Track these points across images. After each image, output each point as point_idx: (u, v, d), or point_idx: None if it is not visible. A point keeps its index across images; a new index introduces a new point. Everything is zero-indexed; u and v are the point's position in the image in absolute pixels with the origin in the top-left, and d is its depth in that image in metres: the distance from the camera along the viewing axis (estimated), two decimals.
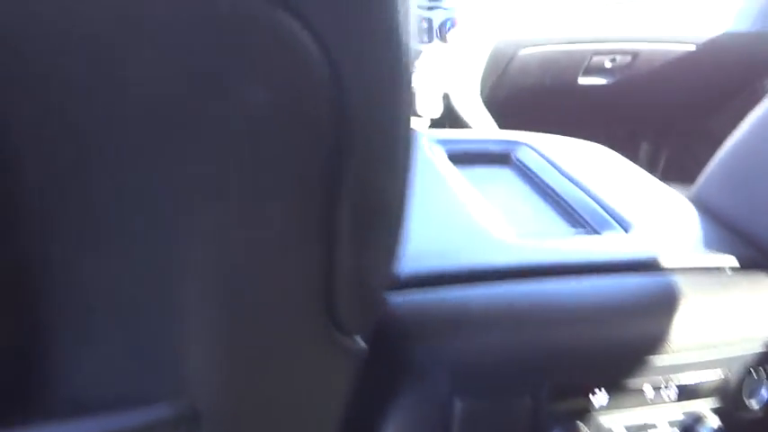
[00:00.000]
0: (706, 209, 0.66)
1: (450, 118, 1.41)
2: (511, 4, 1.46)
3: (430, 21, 1.39)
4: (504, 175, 0.74)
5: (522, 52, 1.49)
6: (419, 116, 1.39)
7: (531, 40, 1.49)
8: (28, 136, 0.26)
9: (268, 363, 0.36)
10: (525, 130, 0.82)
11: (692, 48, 1.52)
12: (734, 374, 0.54)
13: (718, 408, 0.54)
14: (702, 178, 0.69)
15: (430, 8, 1.39)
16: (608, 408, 0.51)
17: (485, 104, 1.46)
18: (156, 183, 0.27)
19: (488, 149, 0.77)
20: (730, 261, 0.58)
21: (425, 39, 1.38)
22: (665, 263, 0.56)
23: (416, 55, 1.40)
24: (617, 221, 0.62)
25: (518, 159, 0.75)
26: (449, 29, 1.37)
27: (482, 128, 1.42)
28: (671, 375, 0.52)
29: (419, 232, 0.51)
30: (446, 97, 1.42)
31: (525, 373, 0.49)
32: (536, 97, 1.55)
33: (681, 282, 0.54)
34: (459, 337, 0.49)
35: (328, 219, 0.31)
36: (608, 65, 1.53)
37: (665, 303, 0.52)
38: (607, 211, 0.63)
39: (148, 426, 0.32)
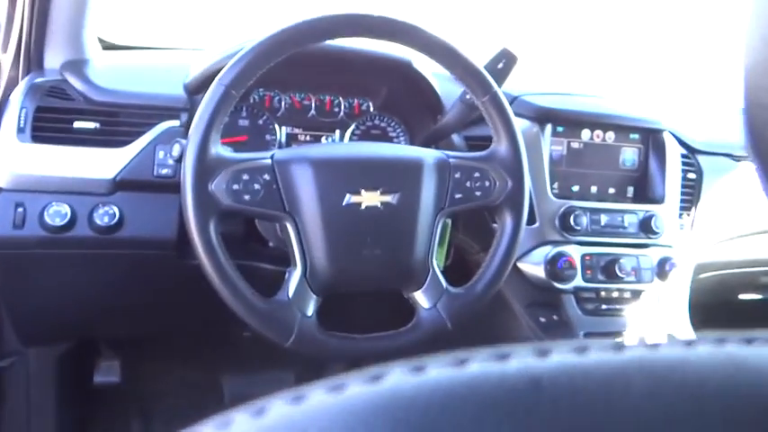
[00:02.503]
0: None
1: None
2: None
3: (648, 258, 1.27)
4: None
5: (701, 276, 1.44)
6: None
7: (713, 264, 1.45)
8: None
9: None
10: None
11: None
12: None
13: None
14: None
15: (644, 245, 1.28)
16: None
17: None
18: None
19: None
20: None
21: (644, 277, 1.27)
22: None
23: (637, 295, 1.27)
24: None
25: None
26: (670, 269, 1.27)
27: None
28: None
29: None
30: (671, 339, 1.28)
31: None
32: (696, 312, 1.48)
33: None
34: None
35: None
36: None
37: None
38: None
39: None
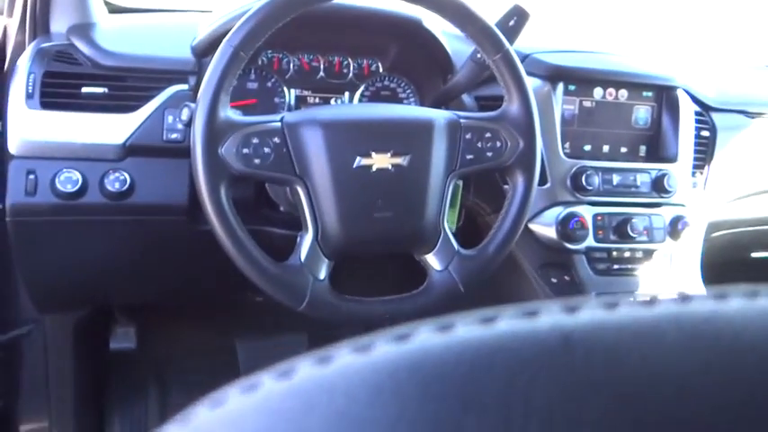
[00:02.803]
0: None
1: None
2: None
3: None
4: None
5: (714, 235, 1.43)
6: None
7: (726, 222, 1.44)
8: None
9: None
10: None
11: None
12: None
13: None
14: None
15: (657, 204, 1.28)
16: None
17: None
18: None
19: None
20: None
21: (657, 237, 1.26)
22: None
23: (649, 254, 1.26)
24: None
25: None
26: (682, 228, 1.26)
27: None
28: None
29: None
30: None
31: None
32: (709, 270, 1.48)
33: None
34: None
35: None
36: None
37: None
38: None
39: None
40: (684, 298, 0.22)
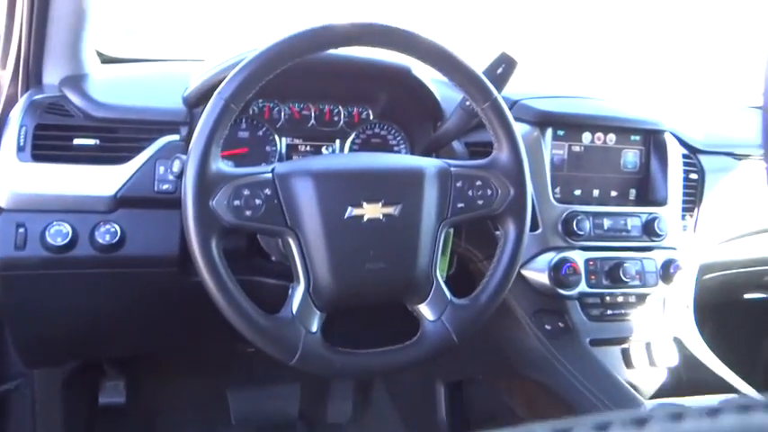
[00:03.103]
0: None
1: (686, 365, 1.27)
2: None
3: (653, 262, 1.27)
4: None
5: (706, 277, 1.43)
6: (655, 365, 1.23)
7: (717, 264, 1.44)
8: None
9: None
10: None
11: None
12: None
13: None
14: None
15: (648, 248, 1.28)
16: None
17: None
18: None
19: None
20: None
21: (649, 281, 1.26)
22: None
23: (642, 299, 1.26)
24: None
25: None
26: (674, 271, 1.26)
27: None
28: None
29: None
30: (678, 341, 1.28)
31: None
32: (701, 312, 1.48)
33: None
34: None
35: None
36: None
37: None
38: None
39: None
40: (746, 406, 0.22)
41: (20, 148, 1.05)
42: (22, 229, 1.02)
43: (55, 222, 1.03)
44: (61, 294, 1.09)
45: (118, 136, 1.10)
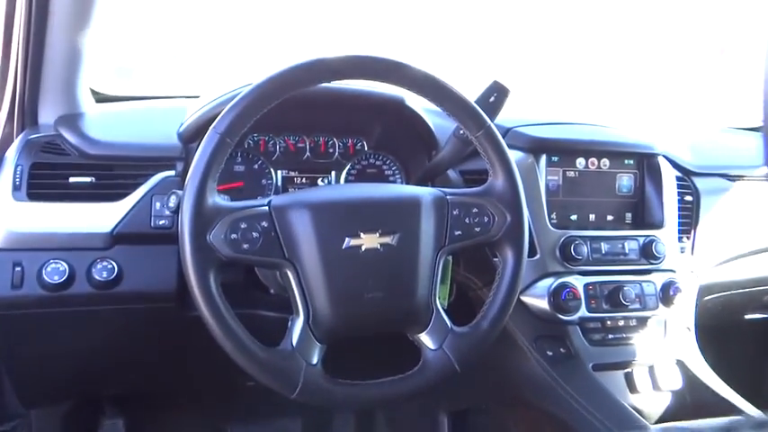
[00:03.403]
0: None
1: (690, 387, 1.26)
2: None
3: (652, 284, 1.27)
4: None
5: (706, 298, 1.43)
6: (659, 389, 1.22)
7: (717, 285, 1.44)
8: None
9: None
10: None
11: None
12: None
13: None
14: None
15: (647, 271, 1.28)
16: None
17: None
18: None
19: None
20: None
21: (649, 304, 1.26)
22: None
23: (643, 322, 1.26)
24: None
25: None
26: (674, 294, 1.26)
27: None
28: None
29: None
30: (681, 364, 1.27)
31: None
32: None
33: None
34: None
35: None
36: None
37: None
38: None
39: None
40: None
41: (15, 188, 1.05)
42: (18, 268, 1.02)
43: (52, 260, 1.03)
44: (59, 333, 1.08)
45: (113, 173, 1.10)
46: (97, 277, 1.03)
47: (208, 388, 1.50)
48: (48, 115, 1.17)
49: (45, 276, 1.02)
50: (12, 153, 1.09)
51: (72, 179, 1.08)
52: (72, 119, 1.17)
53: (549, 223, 1.22)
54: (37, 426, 1.31)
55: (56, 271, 1.02)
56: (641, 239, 1.27)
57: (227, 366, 0.87)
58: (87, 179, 1.08)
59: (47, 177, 1.07)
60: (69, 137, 1.11)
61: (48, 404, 1.29)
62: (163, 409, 1.57)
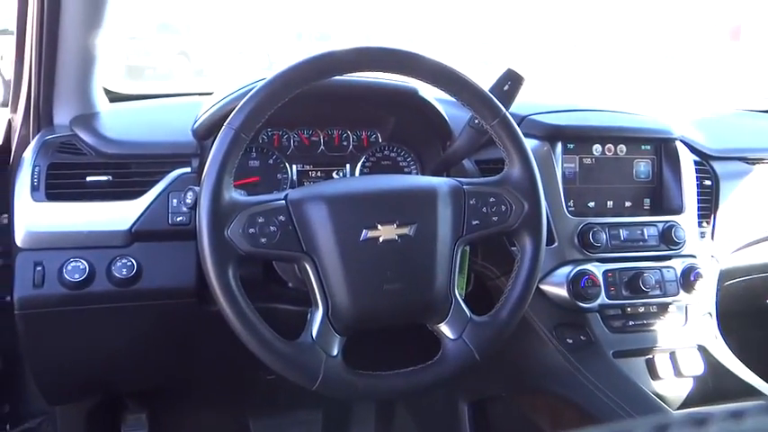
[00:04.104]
0: None
1: (712, 373, 1.25)
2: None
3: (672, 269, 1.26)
4: None
5: (727, 283, 1.41)
6: (681, 375, 1.21)
7: (738, 269, 1.42)
8: None
9: None
10: None
11: None
12: None
13: None
14: None
15: (667, 257, 1.26)
16: None
17: None
18: None
19: None
20: None
21: (669, 290, 1.25)
22: None
23: (663, 308, 1.24)
24: None
25: None
26: (695, 279, 1.24)
27: None
28: None
29: None
30: (702, 350, 1.26)
31: None
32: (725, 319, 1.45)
33: None
34: None
35: None
36: None
37: None
38: None
39: None
40: None
41: (34, 188, 1.06)
42: (39, 268, 1.03)
43: (72, 259, 1.03)
44: (81, 330, 1.09)
45: (130, 171, 1.11)
46: (117, 275, 1.04)
47: (228, 381, 1.51)
48: (63, 116, 1.18)
49: (66, 275, 1.03)
50: (29, 154, 1.10)
51: (89, 178, 1.09)
52: (87, 119, 1.18)
53: (566, 211, 1.21)
54: (62, 422, 1.32)
55: (76, 269, 1.03)
56: (660, 225, 1.26)
57: (248, 360, 0.87)
58: (104, 178, 1.09)
59: (64, 177, 1.08)
60: (85, 136, 1.12)
61: (71, 401, 1.31)
62: (184, 403, 1.59)
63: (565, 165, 1.25)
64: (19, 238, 1.04)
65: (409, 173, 1.30)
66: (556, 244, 1.19)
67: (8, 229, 1.08)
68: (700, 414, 0.21)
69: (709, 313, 1.30)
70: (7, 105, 1.30)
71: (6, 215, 1.13)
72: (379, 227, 0.91)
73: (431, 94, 1.21)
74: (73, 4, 1.11)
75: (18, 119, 1.21)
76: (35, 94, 1.17)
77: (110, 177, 1.09)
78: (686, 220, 1.28)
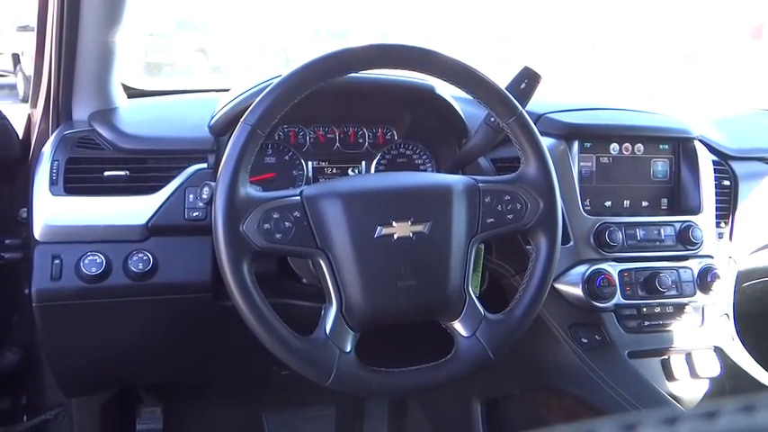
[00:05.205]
0: None
1: (729, 375, 1.24)
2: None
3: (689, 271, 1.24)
4: None
5: (745, 284, 1.40)
6: (697, 376, 1.20)
7: (756, 270, 1.41)
8: None
9: None
10: None
11: None
12: None
13: None
14: None
15: (684, 257, 1.25)
16: None
17: None
18: None
19: None
20: None
21: (686, 290, 1.23)
22: None
23: (680, 309, 1.23)
24: None
25: None
26: (712, 280, 1.23)
27: None
28: None
29: None
30: (719, 351, 1.25)
31: None
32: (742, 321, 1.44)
33: None
34: None
35: None
36: None
37: None
38: None
39: None
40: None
41: (52, 182, 1.07)
42: (57, 261, 1.04)
43: (89, 253, 1.05)
44: (97, 323, 1.10)
45: (147, 166, 1.12)
46: (133, 269, 1.05)
47: (242, 376, 1.52)
48: (82, 111, 1.19)
49: (83, 268, 1.04)
50: (48, 149, 1.11)
51: (107, 173, 1.10)
52: (105, 114, 1.19)
53: (582, 210, 1.20)
54: (77, 414, 1.34)
55: (93, 263, 1.04)
56: (678, 225, 1.24)
57: (262, 355, 0.88)
58: (122, 173, 1.10)
59: (83, 172, 1.09)
60: (103, 132, 1.13)
61: (87, 393, 1.32)
62: (199, 397, 1.60)
63: (581, 163, 1.25)
64: (37, 232, 1.06)
65: (425, 170, 1.30)
66: (571, 243, 1.18)
67: (27, 222, 1.10)
68: (709, 409, 0.21)
69: (727, 314, 1.29)
70: (28, 101, 1.32)
71: (25, 209, 1.15)
72: (394, 224, 0.91)
73: (447, 91, 1.21)
74: (92, 1, 1.12)
75: (38, 114, 1.23)
76: (55, 89, 1.18)
77: (127, 172, 1.10)
78: (704, 221, 1.27)
